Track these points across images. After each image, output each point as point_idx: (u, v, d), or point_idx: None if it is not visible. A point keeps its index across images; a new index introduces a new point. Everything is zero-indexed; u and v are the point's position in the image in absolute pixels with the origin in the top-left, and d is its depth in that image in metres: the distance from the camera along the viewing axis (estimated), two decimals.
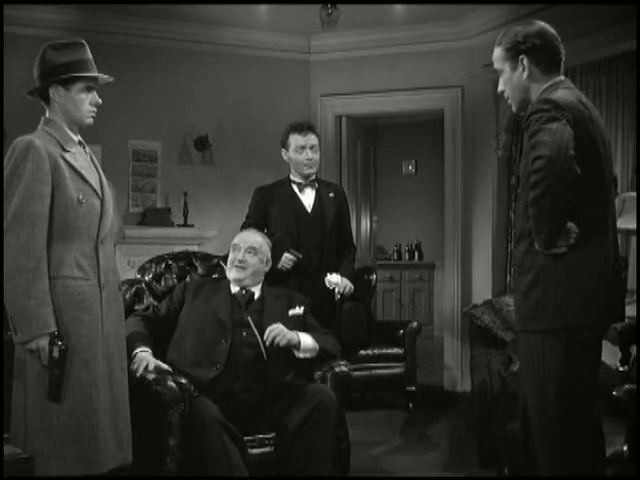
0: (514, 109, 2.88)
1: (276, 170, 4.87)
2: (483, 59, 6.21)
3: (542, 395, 2.64)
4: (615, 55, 5.85)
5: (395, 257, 10.27)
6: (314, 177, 4.30)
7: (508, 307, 5.31)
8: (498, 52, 2.83)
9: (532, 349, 2.66)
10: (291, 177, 4.27)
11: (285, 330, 3.43)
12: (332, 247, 4.24)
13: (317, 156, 4.23)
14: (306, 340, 3.52)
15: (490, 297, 5.95)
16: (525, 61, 2.75)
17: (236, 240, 3.74)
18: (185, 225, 6.51)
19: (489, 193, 6.37)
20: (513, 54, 2.77)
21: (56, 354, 2.70)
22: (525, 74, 2.76)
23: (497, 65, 2.84)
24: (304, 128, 4.20)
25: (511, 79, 2.80)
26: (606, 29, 5.23)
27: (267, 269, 3.75)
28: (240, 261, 3.64)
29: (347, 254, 4.34)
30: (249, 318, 3.53)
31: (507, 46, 2.78)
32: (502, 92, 2.87)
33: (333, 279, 4.07)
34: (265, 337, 3.40)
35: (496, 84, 2.93)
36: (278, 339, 3.40)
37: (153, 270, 3.98)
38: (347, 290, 4.12)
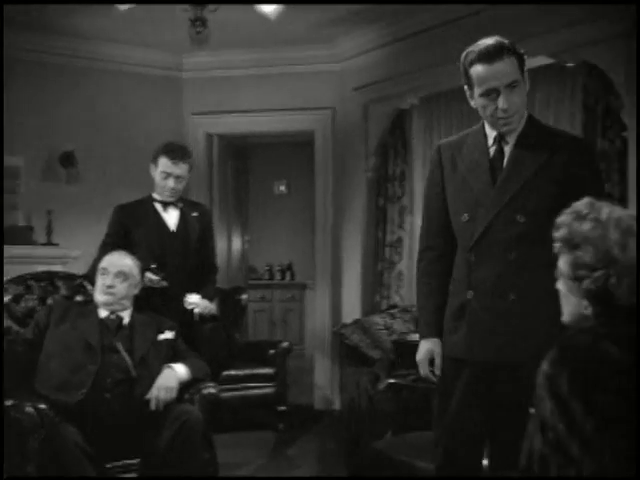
0: (514, 127, 2.47)
1: (148, 189, 4.75)
2: (354, 82, 6.35)
3: None
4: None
5: (267, 277, 10.29)
6: (178, 196, 4.21)
7: (377, 326, 5.42)
8: (512, 61, 2.38)
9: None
10: (154, 195, 4.17)
11: (163, 384, 3.38)
12: (196, 267, 4.18)
13: (181, 186, 4.10)
14: (181, 374, 3.48)
15: (359, 317, 6.05)
16: (526, 75, 2.44)
17: (104, 264, 3.62)
18: (49, 244, 6.27)
19: (358, 214, 6.48)
20: (523, 66, 2.42)
21: None
22: (528, 87, 2.45)
23: (513, 77, 2.38)
24: (176, 156, 4.03)
25: (522, 94, 2.42)
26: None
27: (137, 292, 3.68)
28: (109, 286, 3.55)
29: (208, 274, 4.29)
30: (119, 344, 3.45)
31: (521, 55, 2.41)
32: (506, 109, 2.39)
33: (191, 299, 4.03)
34: (154, 406, 3.33)
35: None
36: (164, 398, 3.35)
37: (12, 291, 3.83)
38: (207, 311, 4.08)
